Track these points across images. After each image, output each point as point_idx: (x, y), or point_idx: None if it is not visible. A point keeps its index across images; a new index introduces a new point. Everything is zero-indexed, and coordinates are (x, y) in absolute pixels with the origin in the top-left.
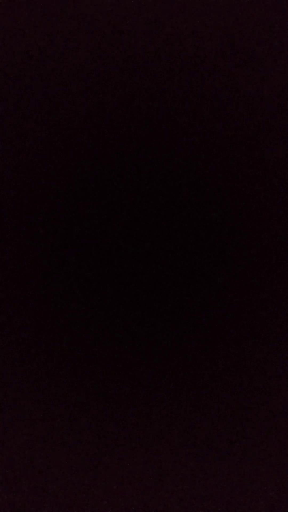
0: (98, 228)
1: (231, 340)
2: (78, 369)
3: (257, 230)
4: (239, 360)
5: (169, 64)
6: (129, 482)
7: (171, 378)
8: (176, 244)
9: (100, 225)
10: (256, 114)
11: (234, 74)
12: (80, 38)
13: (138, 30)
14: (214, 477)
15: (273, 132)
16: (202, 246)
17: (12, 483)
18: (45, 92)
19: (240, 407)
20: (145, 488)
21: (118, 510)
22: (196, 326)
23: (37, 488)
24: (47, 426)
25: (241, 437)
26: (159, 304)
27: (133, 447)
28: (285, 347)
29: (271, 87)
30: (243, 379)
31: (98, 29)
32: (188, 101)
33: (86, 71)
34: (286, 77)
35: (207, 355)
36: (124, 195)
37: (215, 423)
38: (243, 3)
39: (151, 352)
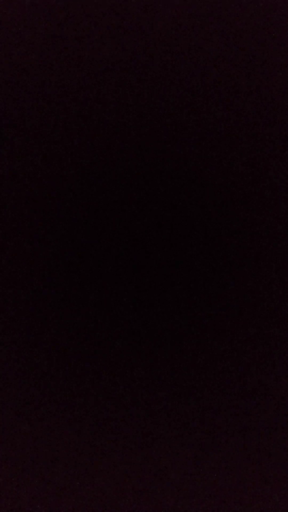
0: (98, 228)
1: (231, 340)
2: (78, 369)
3: (257, 230)
4: (239, 360)
5: (169, 64)
6: (128, 482)
7: (171, 378)
8: (176, 244)
9: (100, 225)
10: (256, 114)
11: (234, 74)
12: (80, 38)
13: (138, 30)
14: (214, 477)
15: (273, 132)
16: (202, 246)
17: (12, 483)
18: (45, 92)
19: (240, 407)
20: (145, 488)
21: (118, 510)
22: (196, 326)
23: (37, 488)
24: (47, 426)
25: (241, 437)
26: (159, 304)
27: (133, 447)
28: (285, 347)
29: (271, 87)
30: (243, 379)
31: (98, 29)
32: (188, 101)
33: (86, 71)
34: (286, 77)
35: (207, 355)
36: (124, 195)
37: (215, 423)
38: (243, 3)
39: (151, 352)
